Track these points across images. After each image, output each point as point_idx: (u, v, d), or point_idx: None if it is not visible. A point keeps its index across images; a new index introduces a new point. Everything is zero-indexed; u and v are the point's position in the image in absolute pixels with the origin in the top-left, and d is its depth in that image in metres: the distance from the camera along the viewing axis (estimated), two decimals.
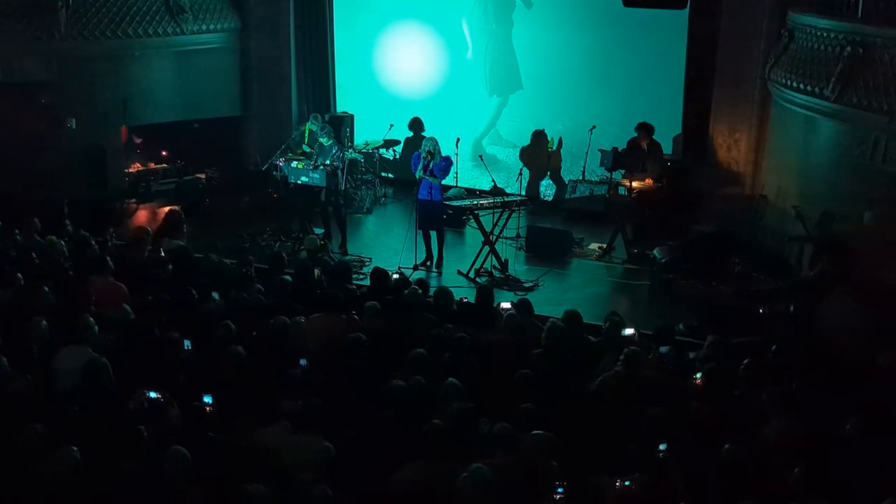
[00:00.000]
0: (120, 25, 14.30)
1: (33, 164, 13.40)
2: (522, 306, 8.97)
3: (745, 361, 7.54)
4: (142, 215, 14.25)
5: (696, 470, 6.20)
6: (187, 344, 7.56)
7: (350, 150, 14.43)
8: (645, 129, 12.84)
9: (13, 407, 6.47)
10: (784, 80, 11.81)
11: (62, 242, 10.01)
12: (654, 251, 12.22)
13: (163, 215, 12.69)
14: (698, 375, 7.55)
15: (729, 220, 12.46)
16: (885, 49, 10.12)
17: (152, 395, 6.43)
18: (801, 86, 11.36)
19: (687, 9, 12.36)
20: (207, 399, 6.60)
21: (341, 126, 15.04)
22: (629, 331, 8.50)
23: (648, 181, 12.80)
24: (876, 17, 10.43)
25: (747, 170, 13.30)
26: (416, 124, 15.38)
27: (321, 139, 13.07)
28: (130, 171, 15.08)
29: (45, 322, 7.67)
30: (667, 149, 13.57)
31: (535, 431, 6.26)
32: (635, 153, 12.93)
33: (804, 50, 11.53)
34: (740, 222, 12.44)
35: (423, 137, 13.26)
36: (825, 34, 11.14)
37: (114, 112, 14.48)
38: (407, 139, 15.57)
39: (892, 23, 10.19)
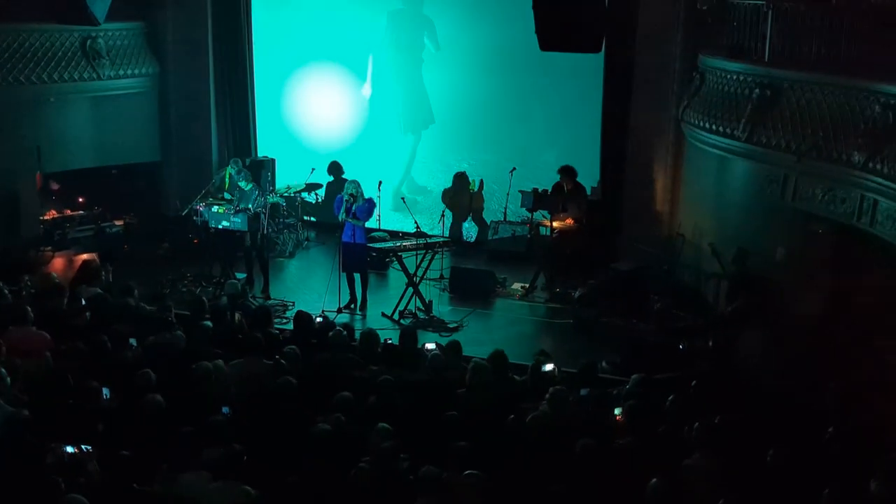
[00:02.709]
0: (35, 70, 14.05)
1: None
2: (452, 348, 9.00)
3: (669, 397, 7.66)
4: (58, 263, 13.92)
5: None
6: (106, 392, 7.39)
7: (272, 195, 14.36)
8: (567, 172, 13.07)
9: None
10: (697, 121, 12.13)
11: None
12: (576, 290, 12.41)
13: (79, 263, 12.43)
14: (618, 411, 7.64)
15: (647, 258, 12.69)
16: (791, 91, 10.46)
17: (69, 449, 6.22)
18: (714, 126, 11.67)
19: (602, 52, 12.63)
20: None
21: (262, 170, 14.97)
22: (549, 366, 8.60)
23: (569, 221, 13.00)
24: (783, 61, 10.82)
25: (664, 209, 13.59)
26: (335, 168, 15.42)
27: (240, 183, 13.00)
28: (46, 218, 14.74)
29: None
30: (589, 190, 13.79)
31: (465, 472, 6.25)
32: (557, 195, 13.15)
33: (715, 92, 11.88)
34: (658, 260, 12.69)
35: (345, 181, 13.29)
36: (735, 77, 11.49)
37: (28, 158, 14.17)
38: (328, 183, 15.57)
39: (798, 66, 10.57)
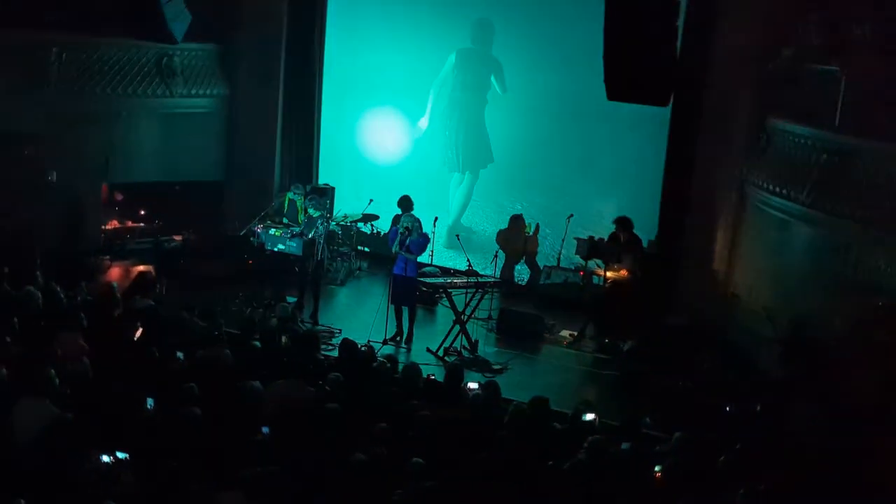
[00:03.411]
0: (110, 83, 14.41)
1: (10, 213, 13.32)
2: (490, 387, 8.94)
3: (712, 459, 7.52)
4: (114, 272, 14.14)
5: None
6: (150, 402, 7.46)
7: (330, 222, 14.48)
8: (623, 223, 12.95)
9: None
10: (761, 182, 12.00)
11: (38, 294, 9.89)
12: (625, 342, 12.26)
13: (135, 274, 12.63)
14: (658, 468, 7.51)
15: (700, 316, 12.51)
16: (859, 159, 10.32)
17: (105, 458, 6.25)
18: (778, 189, 11.54)
19: (669, 106, 12.60)
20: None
21: (323, 197, 15.09)
22: (590, 416, 8.49)
23: (623, 272, 12.89)
24: (852, 128, 10.68)
25: (721, 267, 13.42)
26: (405, 202, 15.43)
27: (310, 210, 13.09)
28: (107, 227, 15.02)
29: (4, 370, 7.55)
30: (646, 243, 13.68)
31: None
32: (613, 245, 13.05)
33: (782, 154, 11.76)
34: (711, 319, 12.50)
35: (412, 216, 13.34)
36: (803, 140, 11.37)
37: (96, 168, 14.48)
38: (396, 216, 15.63)
39: (867, 134, 10.42)
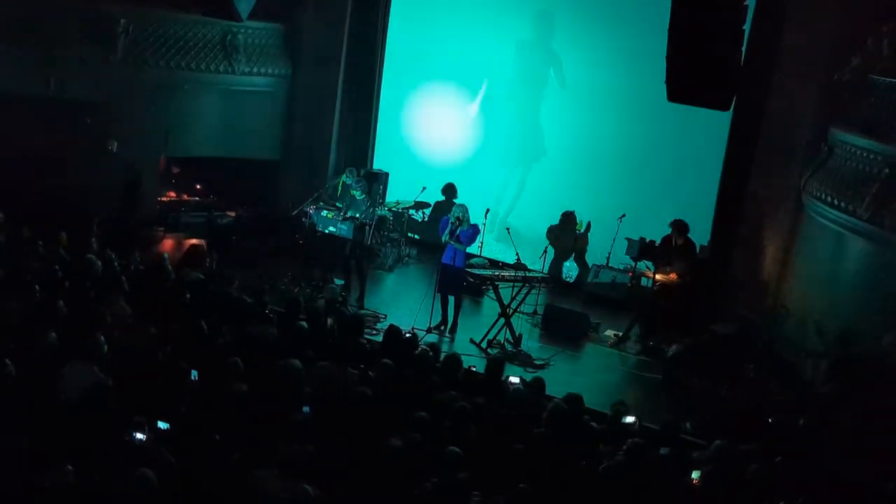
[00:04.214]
0: (174, 57, 14.63)
1: (70, 181, 13.59)
2: (535, 385, 8.93)
3: (751, 469, 7.45)
4: (167, 244, 14.38)
5: None
6: (194, 374, 7.57)
7: (381, 208, 14.55)
8: (679, 226, 12.81)
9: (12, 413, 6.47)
10: (819, 194, 11.82)
11: (94, 261, 10.06)
12: (670, 346, 12.16)
13: (187, 247, 12.82)
14: (695, 475, 7.45)
15: (748, 325, 12.37)
16: None
17: (139, 435, 6.32)
18: (836, 201, 11.35)
19: (731, 111, 12.44)
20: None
21: (375, 182, 15.20)
22: (630, 418, 8.45)
23: (673, 276, 12.78)
24: None
25: (772, 277, 13.25)
26: (448, 189, 15.49)
27: (353, 192, 13.20)
28: (163, 199, 15.25)
29: (54, 334, 7.71)
30: (698, 248, 13.54)
31: None
32: (665, 248, 12.93)
33: (842, 166, 11.56)
34: (758, 329, 12.35)
35: (454, 203, 13.37)
36: (865, 154, 11.16)
37: (156, 140, 14.70)
38: (437, 203, 15.68)
39: None
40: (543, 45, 16.97)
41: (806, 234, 12.75)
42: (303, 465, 6.42)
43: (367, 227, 12.99)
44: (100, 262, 10.10)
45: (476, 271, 13.01)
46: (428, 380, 8.60)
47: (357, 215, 12.92)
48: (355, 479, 6.45)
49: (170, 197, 15.46)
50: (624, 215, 14.43)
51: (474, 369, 9.51)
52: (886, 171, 10.56)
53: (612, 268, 14.72)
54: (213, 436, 6.49)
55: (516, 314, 12.42)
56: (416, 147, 17.76)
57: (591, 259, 15.20)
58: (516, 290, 12.38)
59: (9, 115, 13.29)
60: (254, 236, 14.95)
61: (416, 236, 16.00)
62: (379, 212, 14.10)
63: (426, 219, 15.94)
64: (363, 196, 13.12)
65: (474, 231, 12.32)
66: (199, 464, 6.26)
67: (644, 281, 13.35)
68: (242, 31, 15.27)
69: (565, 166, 16.93)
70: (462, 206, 12.46)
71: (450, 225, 12.20)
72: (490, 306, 13.15)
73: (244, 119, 15.76)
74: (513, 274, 12.71)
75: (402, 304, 13.14)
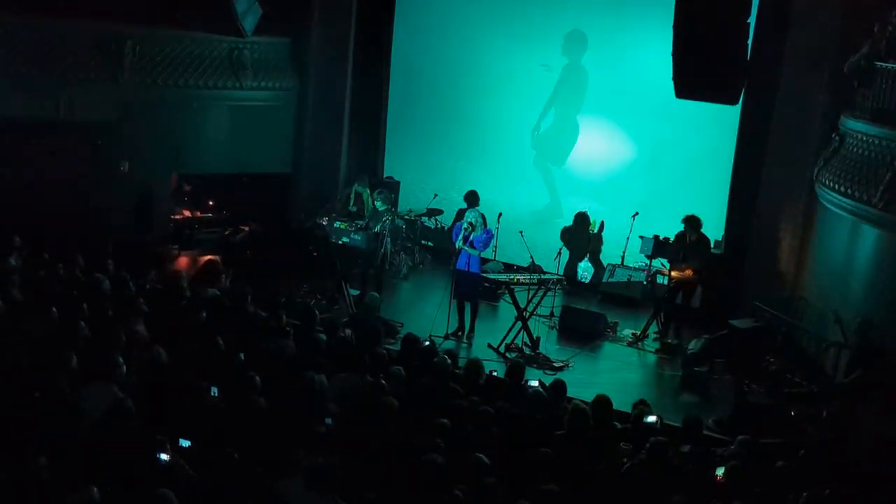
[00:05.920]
0: (182, 76, 14.69)
1: (84, 202, 13.66)
2: (556, 387, 8.92)
3: (776, 463, 7.42)
4: (182, 262, 14.42)
5: None
6: (214, 391, 7.59)
7: (396, 217, 14.58)
8: (691, 222, 12.72)
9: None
10: (832, 184, 11.75)
11: (108, 282, 10.11)
12: (688, 343, 12.12)
13: (202, 263, 12.85)
14: (720, 472, 7.42)
15: (766, 318, 12.31)
16: None
17: (164, 456, 6.33)
18: (849, 191, 11.29)
19: (739, 105, 12.41)
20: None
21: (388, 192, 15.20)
22: (652, 418, 8.42)
23: (688, 272, 12.73)
24: None
25: (788, 269, 13.20)
26: (471, 196, 15.42)
27: (377, 203, 13.19)
28: (176, 217, 15.31)
29: (75, 357, 7.74)
30: (712, 243, 13.49)
31: None
32: (679, 245, 12.88)
33: (854, 155, 11.50)
34: (777, 322, 12.30)
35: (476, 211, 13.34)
36: (877, 141, 11.10)
37: (167, 159, 14.76)
38: (459, 210, 15.63)
39: None
40: (553, 46, 16.90)
41: (820, 224, 12.71)
42: (327, 476, 6.42)
43: (385, 237, 12.98)
44: (116, 283, 10.14)
45: (491, 275, 13.01)
46: (449, 386, 8.59)
47: (378, 227, 12.89)
48: (383, 490, 6.44)
49: (183, 214, 15.51)
50: (637, 213, 14.40)
51: (495, 373, 9.49)
52: None
53: (626, 267, 14.69)
54: (232, 452, 6.50)
55: (533, 317, 12.39)
56: (425, 155, 17.72)
57: (605, 259, 15.16)
58: (532, 292, 12.36)
59: (21, 141, 13.38)
60: (268, 250, 14.97)
61: (430, 243, 16.00)
62: (396, 222, 14.12)
63: (439, 226, 15.94)
64: (385, 207, 13.10)
65: (488, 236, 12.32)
66: (221, 480, 6.27)
67: (660, 279, 13.33)
68: (249, 46, 15.31)
69: (577, 167, 16.87)
70: (477, 211, 12.44)
71: (462, 230, 12.21)
72: (507, 310, 13.13)
73: (254, 134, 15.80)
74: (528, 277, 12.70)
75: (419, 312, 13.14)
